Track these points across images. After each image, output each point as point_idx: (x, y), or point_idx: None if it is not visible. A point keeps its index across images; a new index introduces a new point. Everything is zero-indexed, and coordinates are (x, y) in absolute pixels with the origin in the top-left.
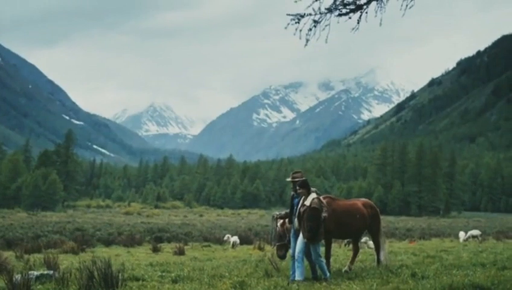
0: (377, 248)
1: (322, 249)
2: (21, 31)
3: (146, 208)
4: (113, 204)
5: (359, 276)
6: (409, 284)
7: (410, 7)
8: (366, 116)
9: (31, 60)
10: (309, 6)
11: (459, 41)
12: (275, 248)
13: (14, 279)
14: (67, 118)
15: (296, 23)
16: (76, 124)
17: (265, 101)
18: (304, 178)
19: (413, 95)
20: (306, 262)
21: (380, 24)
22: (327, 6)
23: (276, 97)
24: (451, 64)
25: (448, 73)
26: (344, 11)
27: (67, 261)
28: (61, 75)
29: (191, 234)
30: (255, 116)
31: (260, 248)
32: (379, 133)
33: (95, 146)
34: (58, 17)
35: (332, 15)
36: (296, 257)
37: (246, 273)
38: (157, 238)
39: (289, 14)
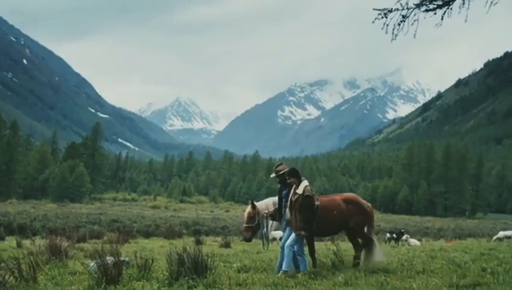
0: (360, 248)
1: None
2: (49, 23)
3: (171, 202)
4: (138, 197)
5: (427, 270)
6: (487, 277)
7: (495, 4)
8: (391, 115)
9: (58, 52)
10: (397, 2)
11: (487, 42)
12: (242, 229)
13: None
14: (92, 110)
15: (382, 17)
16: (101, 117)
17: (291, 98)
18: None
19: (439, 95)
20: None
21: (465, 20)
22: (416, 2)
23: (301, 94)
24: (478, 65)
25: (475, 74)
26: (431, 6)
27: (122, 251)
28: (88, 68)
29: (227, 228)
30: (279, 113)
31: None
32: (404, 132)
33: (120, 139)
34: (87, 10)
35: (420, 10)
36: (286, 247)
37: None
38: (195, 231)
39: (376, 9)
